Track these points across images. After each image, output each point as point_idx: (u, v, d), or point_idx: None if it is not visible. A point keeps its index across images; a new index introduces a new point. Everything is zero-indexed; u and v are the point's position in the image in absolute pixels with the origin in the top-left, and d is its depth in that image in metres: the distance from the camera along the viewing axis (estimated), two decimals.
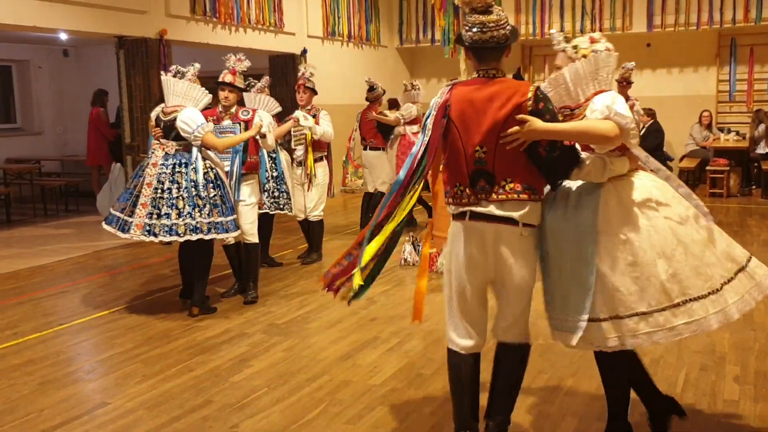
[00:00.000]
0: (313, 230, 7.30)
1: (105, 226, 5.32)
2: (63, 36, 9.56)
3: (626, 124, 2.84)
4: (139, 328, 5.19)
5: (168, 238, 5.15)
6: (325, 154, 7.20)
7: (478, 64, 2.99)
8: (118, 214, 5.24)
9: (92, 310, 5.67)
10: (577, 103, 3.04)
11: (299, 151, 6.94)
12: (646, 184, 2.99)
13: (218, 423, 3.64)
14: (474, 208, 2.97)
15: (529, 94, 2.87)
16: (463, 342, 3.27)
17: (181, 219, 5.07)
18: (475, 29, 2.92)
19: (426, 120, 3.05)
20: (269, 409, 3.79)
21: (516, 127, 2.83)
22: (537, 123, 2.82)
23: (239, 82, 5.69)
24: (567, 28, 12.74)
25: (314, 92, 7.08)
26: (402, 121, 8.53)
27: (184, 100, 5.27)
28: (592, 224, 2.91)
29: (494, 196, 2.92)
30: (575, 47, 3.06)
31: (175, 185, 5.14)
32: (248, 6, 10.31)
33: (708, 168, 11.26)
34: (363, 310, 5.50)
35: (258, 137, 5.69)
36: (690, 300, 2.88)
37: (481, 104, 2.90)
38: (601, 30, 12.44)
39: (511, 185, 2.91)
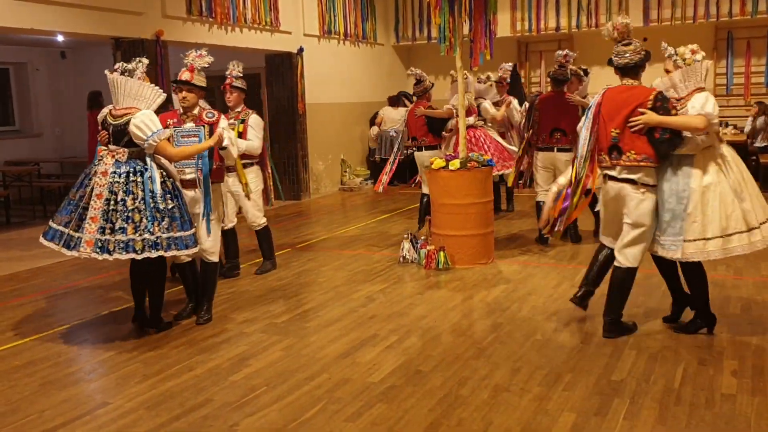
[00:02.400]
0: (260, 239, 6.80)
1: (44, 242, 4.70)
2: (60, 38, 9.59)
3: (712, 119, 4.29)
4: (139, 328, 5.20)
5: (124, 256, 4.52)
6: (257, 160, 6.54)
7: (621, 78, 4.58)
8: (61, 228, 4.64)
9: (92, 310, 5.69)
10: (681, 96, 4.47)
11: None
12: (724, 151, 4.44)
13: (218, 422, 3.66)
14: (608, 172, 4.56)
15: (651, 97, 4.39)
16: (610, 244, 4.76)
17: (137, 234, 4.53)
18: (617, 56, 4.55)
19: (588, 112, 4.59)
20: (269, 407, 3.80)
21: (639, 117, 4.36)
22: (652, 116, 4.33)
23: (199, 80, 5.12)
24: (563, 24, 12.76)
25: (243, 92, 6.43)
26: (455, 111, 7.69)
27: (136, 100, 4.74)
28: (686, 182, 4.36)
29: (622, 161, 4.47)
30: (682, 57, 4.53)
31: (130, 196, 4.58)
32: (244, 5, 10.32)
33: None
34: (362, 308, 5.52)
35: (220, 148, 5.10)
36: (752, 229, 4.35)
37: (619, 102, 4.46)
38: (597, 26, 12.46)
39: (633, 155, 4.42)
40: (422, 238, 7.03)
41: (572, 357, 4.37)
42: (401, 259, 6.96)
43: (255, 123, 6.33)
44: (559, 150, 7.18)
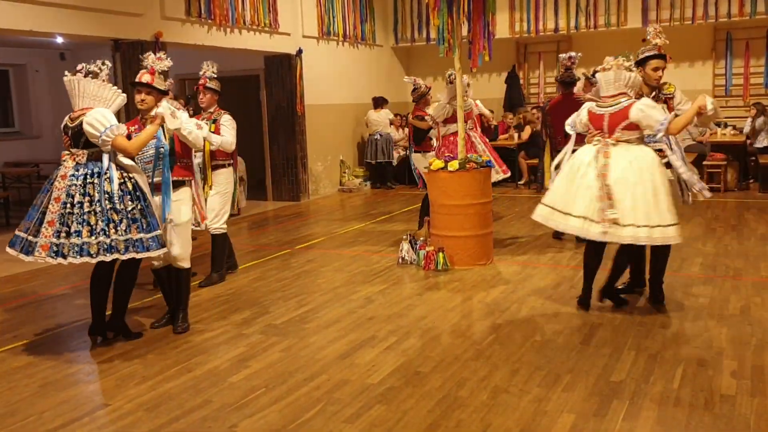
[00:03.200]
0: (214, 245, 6.47)
1: (8, 250, 4.60)
2: (59, 39, 9.58)
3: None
4: (138, 329, 5.19)
5: (78, 260, 4.37)
6: (230, 161, 6.44)
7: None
8: (22, 234, 4.53)
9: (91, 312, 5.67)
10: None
11: (197, 158, 5.84)
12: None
13: (217, 423, 3.66)
14: None
15: None
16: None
17: (93, 237, 4.37)
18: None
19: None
20: (268, 408, 3.80)
21: None
22: None
23: (159, 83, 4.90)
24: (561, 25, 12.77)
25: (217, 93, 6.32)
26: (432, 122, 7.91)
27: (94, 101, 4.59)
28: None
29: None
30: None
31: (87, 198, 4.42)
32: (243, 7, 10.32)
33: (705, 163, 11.28)
34: (360, 309, 5.52)
35: (169, 128, 4.82)
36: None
37: None
38: (596, 27, 12.48)
39: None
40: (421, 239, 7.03)
41: (571, 358, 4.37)
42: (400, 260, 6.96)
43: (227, 121, 6.27)
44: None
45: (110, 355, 4.71)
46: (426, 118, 7.99)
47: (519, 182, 12.35)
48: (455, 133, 7.72)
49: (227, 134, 6.20)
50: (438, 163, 6.76)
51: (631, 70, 5.08)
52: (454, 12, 6.56)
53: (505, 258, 7.04)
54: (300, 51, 11.50)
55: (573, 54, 7.58)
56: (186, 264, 5.06)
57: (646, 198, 4.72)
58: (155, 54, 5.05)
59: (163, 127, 4.78)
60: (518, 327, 4.97)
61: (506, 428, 3.49)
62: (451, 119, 7.65)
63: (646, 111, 4.85)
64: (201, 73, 6.32)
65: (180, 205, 4.97)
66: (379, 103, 12.98)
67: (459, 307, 5.52)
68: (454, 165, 6.60)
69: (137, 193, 4.57)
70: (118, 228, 4.43)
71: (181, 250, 4.95)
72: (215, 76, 6.24)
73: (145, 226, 4.52)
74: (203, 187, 6.06)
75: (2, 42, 10.81)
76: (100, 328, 4.91)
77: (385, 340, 4.80)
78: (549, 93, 13.51)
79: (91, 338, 4.92)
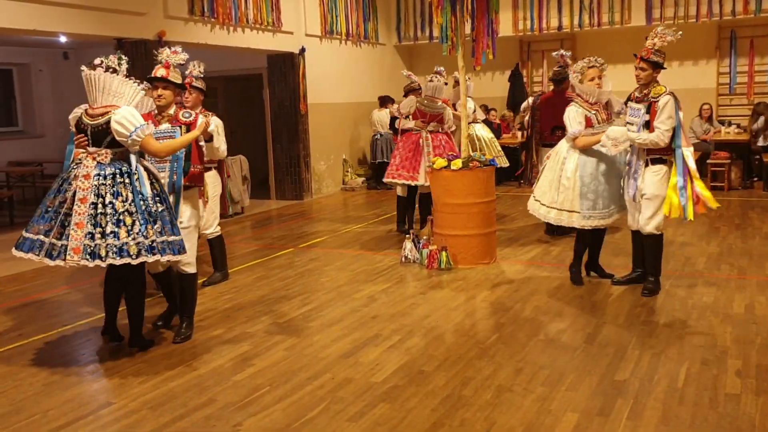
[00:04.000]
0: (213, 247, 6.44)
1: (20, 254, 4.36)
2: (63, 39, 9.58)
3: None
4: (113, 344, 5.03)
5: (119, 261, 4.19)
6: (215, 164, 6.19)
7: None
8: (40, 237, 4.29)
9: (95, 311, 5.68)
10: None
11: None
12: None
13: (221, 422, 3.66)
14: None
15: None
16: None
17: (131, 237, 4.23)
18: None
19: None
20: (272, 407, 3.81)
21: None
22: None
23: (175, 77, 4.79)
24: (565, 23, 12.75)
25: (203, 93, 6.02)
26: (398, 113, 8.19)
27: (115, 98, 4.43)
28: None
29: None
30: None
31: (119, 198, 4.28)
32: (246, 6, 10.32)
33: (709, 161, 11.26)
34: (364, 308, 5.52)
35: (203, 141, 4.97)
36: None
37: None
38: (599, 25, 12.46)
39: None
40: (424, 237, 7.03)
41: (575, 357, 4.36)
42: (403, 258, 6.96)
43: (219, 125, 5.90)
44: None
45: (114, 353, 4.71)
46: (393, 107, 8.10)
47: (522, 181, 12.32)
48: (410, 131, 8.00)
49: (220, 143, 5.84)
50: (441, 162, 6.75)
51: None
52: (457, 10, 6.55)
53: (508, 257, 7.03)
54: (303, 50, 11.50)
55: (564, 52, 7.76)
56: (192, 269, 4.91)
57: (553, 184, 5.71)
58: (170, 48, 4.93)
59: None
60: (522, 326, 4.97)
61: (510, 427, 3.48)
62: (415, 116, 7.99)
63: (566, 115, 5.74)
64: (187, 72, 5.90)
65: (189, 209, 4.89)
66: (383, 102, 12.97)
67: (462, 306, 5.52)
68: (457, 163, 6.60)
69: (163, 195, 4.49)
70: (155, 228, 4.32)
71: (188, 253, 4.73)
72: (202, 75, 5.96)
73: (173, 229, 4.45)
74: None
75: (6, 41, 10.82)
76: (113, 330, 4.85)
77: (388, 339, 4.80)
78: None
79: (103, 338, 4.94)
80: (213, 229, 6.31)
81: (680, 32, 5.58)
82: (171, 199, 4.65)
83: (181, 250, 4.48)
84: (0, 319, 5.62)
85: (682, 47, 12.42)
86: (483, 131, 9.55)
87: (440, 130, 8.01)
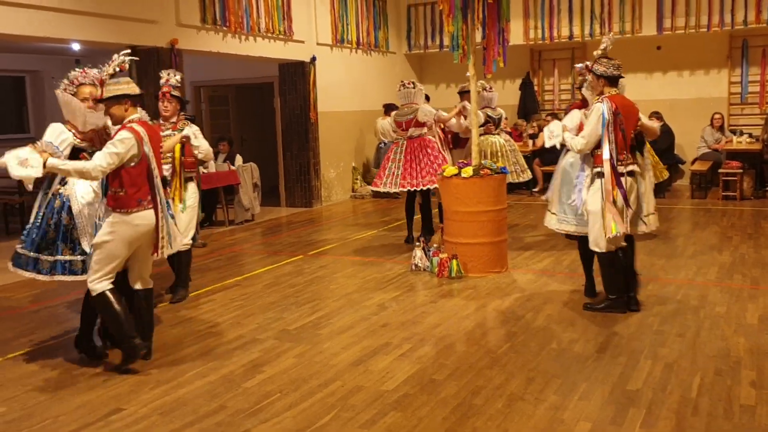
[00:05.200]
0: (180, 260, 6.06)
1: (65, 278, 4.54)
2: (75, 46, 9.64)
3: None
4: (153, 334, 5.20)
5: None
6: (195, 173, 6.15)
7: (610, 87, 5.24)
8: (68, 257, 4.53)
9: None
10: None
11: (165, 171, 5.46)
12: None
13: (231, 428, 3.65)
14: (630, 169, 5.20)
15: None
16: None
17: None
18: (615, 68, 5.24)
19: (602, 119, 5.09)
20: (282, 414, 3.79)
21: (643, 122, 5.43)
22: (644, 118, 5.51)
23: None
24: (576, 32, 12.74)
25: (181, 102, 6.11)
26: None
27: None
28: None
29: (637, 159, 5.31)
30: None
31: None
32: (258, 15, 10.36)
33: (720, 171, 11.19)
34: (374, 316, 5.50)
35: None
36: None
37: (629, 109, 5.21)
38: (611, 33, 12.44)
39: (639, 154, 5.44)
40: (434, 246, 7.01)
41: (587, 366, 4.33)
42: (413, 266, 6.94)
43: (198, 130, 6.12)
44: None
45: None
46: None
47: (534, 190, 12.31)
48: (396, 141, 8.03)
49: (203, 142, 6.05)
50: (451, 170, 6.74)
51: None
52: (468, 18, 6.55)
53: (520, 266, 7.01)
54: (314, 58, 11.53)
55: (589, 64, 7.63)
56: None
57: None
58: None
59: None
60: (534, 335, 4.94)
61: None
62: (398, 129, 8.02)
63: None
64: (162, 81, 6.06)
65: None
66: (388, 109, 12.97)
67: (473, 315, 5.49)
68: (467, 171, 6.58)
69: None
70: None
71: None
72: (179, 85, 6.10)
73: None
74: (172, 202, 5.55)
75: (18, 48, 10.89)
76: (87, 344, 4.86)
77: (399, 347, 4.78)
78: (564, 100, 13.50)
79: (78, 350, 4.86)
80: (187, 239, 5.93)
81: (613, 38, 5.59)
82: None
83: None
84: (11, 325, 5.63)
85: (693, 56, 12.54)
86: (505, 142, 9.42)
87: (423, 134, 7.83)
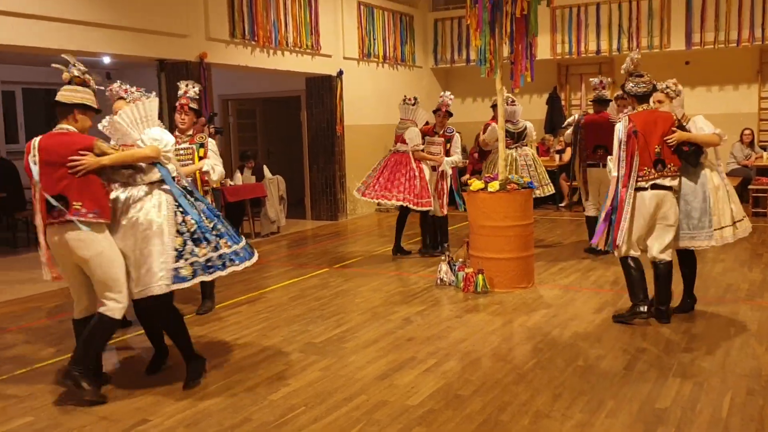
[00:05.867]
0: None
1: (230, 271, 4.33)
2: (106, 59, 9.80)
3: (723, 135, 5.39)
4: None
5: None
6: (210, 188, 6.04)
7: (638, 104, 5.42)
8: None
9: (132, 328, 5.72)
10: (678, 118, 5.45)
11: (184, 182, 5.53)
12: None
13: None
14: (655, 182, 5.27)
15: (674, 118, 5.35)
16: (636, 254, 5.44)
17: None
18: (636, 86, 5.37)
19: (621, 136, 5.32)
20: (307, 427, 3.79)
21: (673, 135, 5.26)
22: (683, 133, 5.28)
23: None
24: (603, 47, 12.68)
25: (198, 114, 6.00)
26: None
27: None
28: (704, 184, 5.37)
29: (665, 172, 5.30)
30: (672, 88, 5.50)
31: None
32: (286, 29, 10.46)
33: (750, 187, 11.04)
34: (399, 330, 5.48)
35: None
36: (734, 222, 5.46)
37: (652, 124, 5.29)
38: (638, 49, 12.35)
39: (673, 167, 5.30)
40: (460, 260, 6.99)
41: (615, 383, 4.27)
42: (438, 281, 6.92)
43: (215, 147, 5.90)
44: (604, 166, 7.14)
45: (152, 371, 4.73)
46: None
47: (560, 204, 12.23)
48: (400, 152, 8.03)
49: (219, 163, 5.79)
50: (478, 184, 6.72)
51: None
52: (496, 33, 6.55)
53: (546, 281, 6.95)
54: (340, 72, 11.60)
55: (603, 79, 8.28)
56: None
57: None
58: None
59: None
60: (560, 351, 4.89)
61: None
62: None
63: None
64: (180, 92, 5.90)
65: None
66: None
67: (499, 331, 5.45)
68: (494, 185, 6.56)
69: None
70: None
71: None
72: (197, 97, 5.92)
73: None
74: None
75: (51, 62, 11.06)
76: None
77: (424, 362, 4.76)
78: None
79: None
80: None
81: (635, 57, 5.61)
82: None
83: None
84: (39, 335, 5.70)
85: (723, 72, 12.41)
86: (519, 156, 9.40)
87: (406, 152, 7.94)
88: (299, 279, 7.43)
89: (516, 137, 8.47)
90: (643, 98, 5.38)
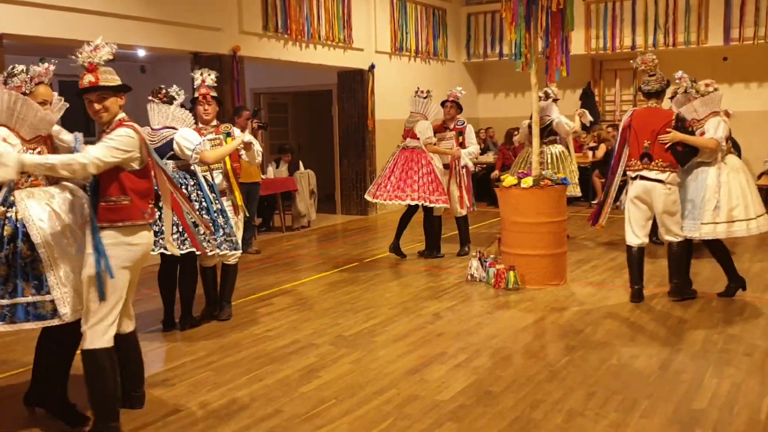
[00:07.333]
0: (228, 273, 5.72)
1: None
2: (141, 53, 9.90)
3: (721, 141, 5.65)
4: (211, 336, 5.28)
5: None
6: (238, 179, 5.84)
7: (647, 100, 5.84)
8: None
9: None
10: (700, 118, 5.82)
11: (218, 179, 5.41)
12: (728, 161, 5.79)
13: None
14: (640, 173, 5.74)
15: (672, 118, 5.68)
16: (642, 238, 5.89)
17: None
18: (645, 84, 5.81)
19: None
20: (338, 420, 3.78)
21: (666, 135, 5.63)
22: (677, 134, 5.61)
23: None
24: (639, 42, 12.50)
25: (220, 104, 5.76)
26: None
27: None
28: (704, 179, 5.71)
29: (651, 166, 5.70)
30: (697, 89, 5.86)
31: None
32: (318, 23, 10.47)
33: None
34: (429, 325, 5.46)
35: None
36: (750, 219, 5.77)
37: (648, 120, 5.72)
38: (674, 44, 12.16)
39: (661, 162, 5.66)
40: (491, 256, 6.94)
41: (650, 383, 4.21)
42: (469, 277, 6.87)
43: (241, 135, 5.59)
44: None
45: (183, 360, 4.78)
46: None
47: (593, 201, 12.08)
48: (410, 148, 7.71)
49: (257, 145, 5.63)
50: (511, 180, 6.66)
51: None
52: (531, 27, 6.48)
53: (578, 278, 6.87)
54: (372, 66, 11.58)
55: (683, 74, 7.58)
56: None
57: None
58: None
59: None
60: (593, 349, 4.83)
61: None
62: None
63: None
64: (197, 82, 5.61)
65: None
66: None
67: (531, 328, 5.40)
68: (527, 182, 6.50)
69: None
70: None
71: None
72: (215, 84, 5.69)
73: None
74: (237, 213, 5.59)
75: None
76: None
77: (454, 357, 4.73)
78: (625, 111, 13.23)
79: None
80: (239, 253, 5.51)
81: (651, 57, 5.94)
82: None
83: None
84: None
85: (762, 68, 12.14)
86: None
87: (417, 147, 7.61)
88: (329, 273, 7.44)
89: (545, 134, 8.23)
90: (650, 95, 5.79)
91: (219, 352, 4.91)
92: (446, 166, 7.87)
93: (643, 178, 5.71)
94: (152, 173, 3.74)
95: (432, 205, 7.59)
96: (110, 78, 3.68)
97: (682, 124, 5.69)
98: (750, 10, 11.61)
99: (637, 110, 5.88)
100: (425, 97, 7.81)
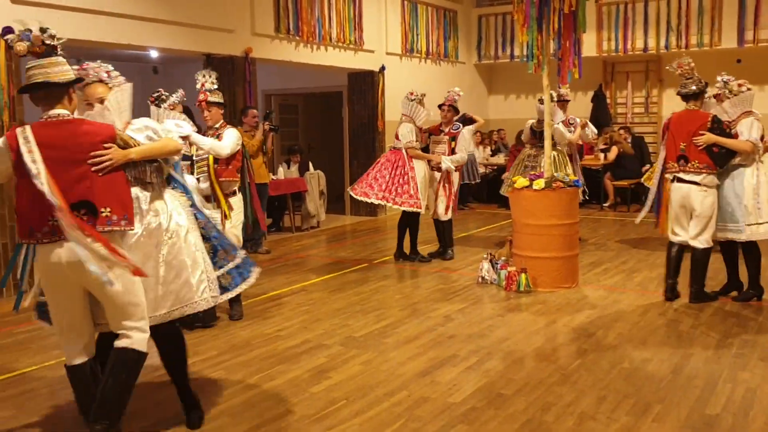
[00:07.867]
0: None
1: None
2: (153, 54, 9.93)
3: (757, 143, 5.67)
4: (222, 335, 5.28)
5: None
6: (238, 186, 5.62)
7: (687, 103, 5.85)
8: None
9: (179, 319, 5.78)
10: (731, 119, 5.81)
11: (203, 183, 5.32)
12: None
13: None
14: (677, 175, 5.82)
15: (708, 120, 5.68)
16: (681, 236, 5.95)
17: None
18: (682, 87, 5.86)
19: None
20: (348, 421, 3.78)
21: (700, 137, 5.66)
22: (711, 136, 5.63)
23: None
24: (651, 44, 12.44)
25: (222, 106, 5.65)
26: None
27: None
28: (741, 181, 5.70)
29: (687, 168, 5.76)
30: (730, 89, 5.86)
31: None
32: (330, 25, 10.48)
33: None
34: (440, 327, 5.44)
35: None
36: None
37: (685, 123, 5.79)
38: (687, 47, 12.09)
39: (697, 164, 5.69)
40: (503, 259, 6.91)
41: (662, 387, 4.18)
42: (480, 279, 6.85)
43: (231, 133, 5.50)
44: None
45: (195, 360, 4.77)
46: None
47: (604, 204, 12.04)
48: (396, 149, 7.66)
49: (225, 139, 5.43)
50: (522, 182, 6.64)
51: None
52: (543, 28, 6.46)
53: (590, 281, 6.84)
54: (383, 68, 11.58)
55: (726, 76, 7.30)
56: None
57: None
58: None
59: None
60: (605, 353, 4.80)
61: None
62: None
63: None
64: (198, 86, 5.56)
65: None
66: (464, 122, 12.84)
67: (543, 330, 5.38)
68: (539, 184, 6.47)
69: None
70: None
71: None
72: (215, 87, 5.57)
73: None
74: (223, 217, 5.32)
75: (99, 55, 11.23)
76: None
77: (466, 359, 4.71)
78: (637, 113, 13.22)
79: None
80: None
81: (686, 61, 5.94)
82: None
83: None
84: None
85: None
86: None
87: (399, 149, 7.60)
88: (339, 273, 7.44)
89: (539, 136, 8.15)
90: (687, 98, 5.83)
91: (230, 352, 4.92)
92: (440, 169, 7.82)
93: (679, 180, 5.76)
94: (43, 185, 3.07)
95: (396, 207, 7.52)
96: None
97: (718, 126, 5.67)
98: (765, 12, 11.52)
99: (676, 113, 5.95)
100: (412, 100, 7.74)
